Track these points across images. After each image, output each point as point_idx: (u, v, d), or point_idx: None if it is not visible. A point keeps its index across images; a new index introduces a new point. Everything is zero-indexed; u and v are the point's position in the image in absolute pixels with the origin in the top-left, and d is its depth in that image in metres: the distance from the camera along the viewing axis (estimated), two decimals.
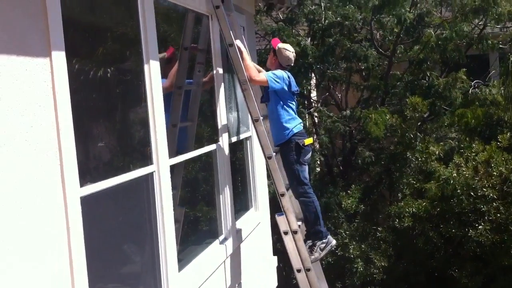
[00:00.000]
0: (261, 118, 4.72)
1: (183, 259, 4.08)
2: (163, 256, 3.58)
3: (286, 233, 4.72)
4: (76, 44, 2.85)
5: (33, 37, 2.40)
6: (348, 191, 8.89)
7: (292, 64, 5.21)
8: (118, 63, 3.50)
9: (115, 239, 3.30)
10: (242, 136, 5.71)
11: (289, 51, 5.12)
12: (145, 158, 3.51)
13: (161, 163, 3.59)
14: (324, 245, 4.94)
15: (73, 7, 2.79)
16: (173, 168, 3.93)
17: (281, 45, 5.15)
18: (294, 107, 5.03)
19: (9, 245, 2.21)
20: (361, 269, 8.06)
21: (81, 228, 2.65)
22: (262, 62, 8.28)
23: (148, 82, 3.46)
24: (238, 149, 5.78)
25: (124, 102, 3.53)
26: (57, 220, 2.51)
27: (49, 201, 2.46)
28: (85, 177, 2.79)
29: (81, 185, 2.70)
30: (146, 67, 3.44)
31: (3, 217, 2.18)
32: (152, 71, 3.48)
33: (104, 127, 3.32)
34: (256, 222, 5.89)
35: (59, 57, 2.53)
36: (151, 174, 3.53)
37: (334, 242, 5.12)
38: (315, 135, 10.08)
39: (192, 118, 4.96)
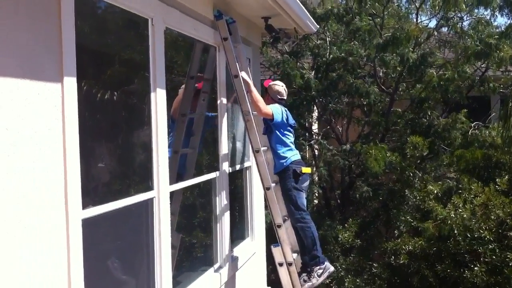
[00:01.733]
0: (262, 149, 4.80)
1: (178, 285, 4.10)
2: (159, 281, 3.61)
3: (281, 264, 4.75)
4: (86, 70, 2.94)
5: (47, 63, 2.48)
6: (345, 225, 8.91)
7: (285, 98, 5.37)
8: (125, 90, 3.59)
9: (112, 262, 3.34)
10: (242, 166, 5.78)
11: (278, 85, 5.37)
12: (147, 184, 3.57)
13: (162, 189, 3.64)
14: (321, 270, 4.95)
15: (86, 34, 2.88)
16: (172, 193, 3.99)
17: (271, 82, 5.41)
18: (292, 139, 5.23)
19: (13, 258, 2.26)
20: None
21: (81, 249, 2.70)
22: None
23: (153, 109, 3.54)
24: (238, 178, 5.84)
25: (129, 128, 3.61)
26: (58, 240, 2.56)
27: (52, 221, 2.52)
28: (88, 199, 2.84)
29: (83, 207, 2.75)
30: (152, 94, 3.52)
31: (9, 234, 2.24)
32: (158, 99, 3.57)
33: (108, 152, 3.40)
34: (251, 252, 5.91)
35: (71, 83, 2.61)
36: (151, 199, 3.58)
37: (332, 268, 5.12)
38: (314, 167, 10.15)
39: (194, 146, 5.05)
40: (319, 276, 4.92)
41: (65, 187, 2.61)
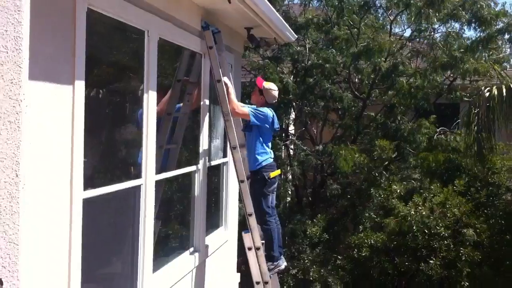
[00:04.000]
0: (238, 146, 5.39)
1: (158, 263, 4.68)
2: (142, 256, 4.18)
3: (250, 248, 5.36)
4: (91, 74, 3.50)
5: (63, 69, 3.05)
6: (314, 220, 9.56)
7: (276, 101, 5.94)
8: (123, 91, 4.17)
9: (104, 236, 3.92)
10: (219, 161, 6.36)
11: (275, 90, 5.91)
12: (136, 172, 4.16)
13: (149, 178, 4.23)
14: (273, 266, 5.65)
15: (93, 44, 3.44)
16: (156, 183, 4.56)
17: (266, 84, 5.90)
18: (269, 142, 5.76)
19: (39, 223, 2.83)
20: None
21: (80, 223, 3.27)
22: (245, 94, 9.01)
23: (145, 109, 4.12)
24: (215, 172, 6.42)
25: (124, 124, 4.19)
26: (64, 214, 3.13)
27: (61, 199, 3.09)
28: (87, 183, 3.41)
29: (84, 189, 3.32)
30: (145, 96, 4.10)
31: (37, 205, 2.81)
32: (150, 99, 4.15)
33: (106, 144, 3.98)
34: (224, 239, 6.50)
35: (80, 86, 3.19)
36: (139, 186, 4.16)
37: (283, 266, 5.86)
38: (288, 166, 10.76)
39: (177, 141, 5.61)
40: (269, 270, 5.56)
41: (71, 171, 3.17)
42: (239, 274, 7.21)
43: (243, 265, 7.97)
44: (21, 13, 2.36)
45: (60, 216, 3.10)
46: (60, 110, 3.06)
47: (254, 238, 5.34)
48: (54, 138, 3.00)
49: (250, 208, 5.33)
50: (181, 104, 5.57)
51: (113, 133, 4.10)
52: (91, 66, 3.43)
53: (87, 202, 3.36)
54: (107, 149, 4.06)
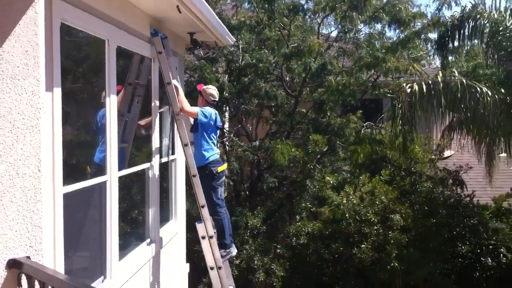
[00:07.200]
0: (189, 143, 5.83)
1: (121, 253, 5.05)
2: (109, 245, 4.57)
3: (203, 237, 5.81)
4: (65, 81, 3.86)
5: (47, 79, 3.40)
6: (254, 212, 10.11)
7: (217, 99, 6.41)
8: (90, 96, 4.53)
9: (79, 226, 4.28)
10: (168, 159, 6.77)
11: (211, 88, 6.43)
12: (102, 170, 4.53)
13: (113, 175, 4.61)
14: (225, 253, 6.18)
15: (65, 54, 3.79)
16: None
17: (205, 86, 6.41)
18: (214, 139, 6.23)
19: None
20: (262, 279, 9.26)
21: (62, 215, 3.63)
22: (186, 92, 9.42)
23: (108, 110, 4.50)
24: (165, 169, 6.82)
25: (89, 126, 4.56)
26: (49, 206, 3.49)
27: (45, 193, 3.44)
28: (65, 179, 3.76)
29: (63, 185, 3.68)
30: (107, 99, 4.48)
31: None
32: (112, 102, 4.53)
33: (77, 144, 4.33)
34: (175, 231, 6.92)
35: (57, 93, 3.55)
36: (105, 182, 4.53)
37: (234, 253, 6.44)
38: (226, 162, 11.24)
39: (128, 141, 5.97)
40: (222, 257, 6.07)
41: (53, 168, 3.53)
42: (188, 264, 7.64)
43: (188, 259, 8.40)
44: (38, 37, 2.73)
45: (46, 207, 3.44)
46: (45, 113, 3.40)
47: (207, 227, 5.79)
48: (41, 139, 3.35)
49: (202, 200, 5.78)
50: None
51: (80, 134, 4.46)
52: (65, 73, 3.79)
53: (65, 197, 3.71)
54: (78, 148, 4.41)
